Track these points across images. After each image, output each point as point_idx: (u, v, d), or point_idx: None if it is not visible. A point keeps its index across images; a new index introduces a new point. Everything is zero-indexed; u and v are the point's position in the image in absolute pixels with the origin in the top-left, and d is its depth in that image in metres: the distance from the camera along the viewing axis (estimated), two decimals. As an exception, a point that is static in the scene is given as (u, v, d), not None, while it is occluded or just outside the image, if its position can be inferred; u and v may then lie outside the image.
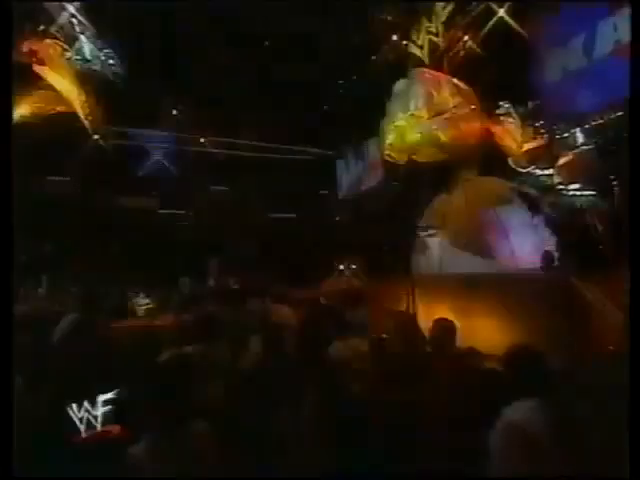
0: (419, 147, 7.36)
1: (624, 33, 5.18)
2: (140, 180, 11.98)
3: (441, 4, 7.19)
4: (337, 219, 13.07)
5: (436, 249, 8.51)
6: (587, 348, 3.98)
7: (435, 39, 7.33)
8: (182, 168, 12.62)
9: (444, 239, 8.26)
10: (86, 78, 8.48)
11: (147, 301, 7.85)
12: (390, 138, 7.48)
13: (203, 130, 12.74)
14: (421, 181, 8.84)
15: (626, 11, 5.11)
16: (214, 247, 11.90)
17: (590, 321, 4.10)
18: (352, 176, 10.94)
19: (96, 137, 9.51)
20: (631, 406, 2.04)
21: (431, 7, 7.37)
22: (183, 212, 13.16)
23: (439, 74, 7.01)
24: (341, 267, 10.21)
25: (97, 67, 8.74)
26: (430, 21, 7.37)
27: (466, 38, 7.17)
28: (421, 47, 7.56)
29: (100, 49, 8.10)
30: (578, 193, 5.96)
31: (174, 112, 12.14)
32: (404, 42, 7.95)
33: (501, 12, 7.05)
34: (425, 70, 7.17)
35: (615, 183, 5.63)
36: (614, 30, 5.44)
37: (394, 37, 8.00)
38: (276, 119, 12.35)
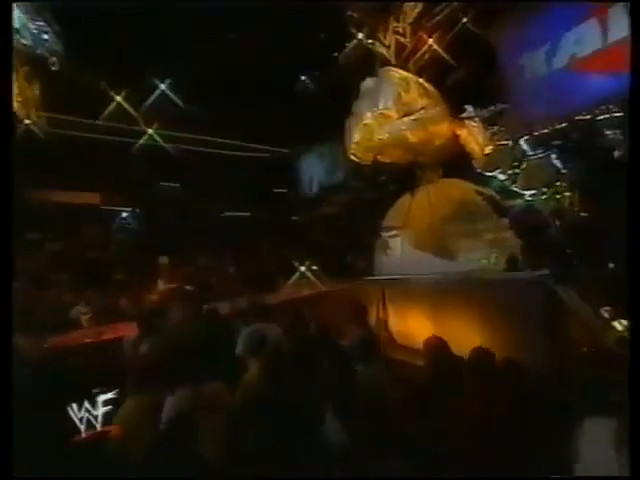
0: (386, 147, 7.28)
1: (582, 47, 5.47)
2: (79, 173, 10.85)
3: (410, 5, 7.17)
4: (295, 218, 12.79)
5: (398, 250, 8.51)
6: (564, 349, 4.05)
7: (402, 39, 7.31)
8: (127, 162, 11.63)
9: (406, 240, 8.27)
10: (14, 53, 7.41)
11: (87, 309, 6.93)
12: (357, 137, 7.33)
13: (152, 121, 11.87)
14: (385, 181, 8.83)
15: (589, 24, 5.38)
16: (163, 247, 11.13)
17: (565, 321, 4.19)
18: (315, 175, 10.70)
19: (27, 122, 8.39)
20: (631, 406, 1.99)
21: (399, 7, 7.33)
22: (129, 209, 12.19)
23: (407, 74, 6.99)
24: (302, 268, 9.96)
25: (27, 41, 7.67)
26: (398, 21, 7.34)
27: (432, 41, 7.22)
28: (388, 47, 7.50)
29: (32, 19, 7.03)
30: (539, 197, 6.17)
31: (119, 99, 11.15)
32: (370, 41, 7.85)
33: (465, 19, 7.17)
34: (393, 69, 7.12)
35: (576, 187, 5.89)
36: (574, 43, 5.72)
37: (360, 35, 7.87)
38: (233, 115, 11.82)
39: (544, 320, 4.35)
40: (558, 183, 6.65)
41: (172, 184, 13.30)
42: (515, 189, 6.68)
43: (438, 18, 7.03)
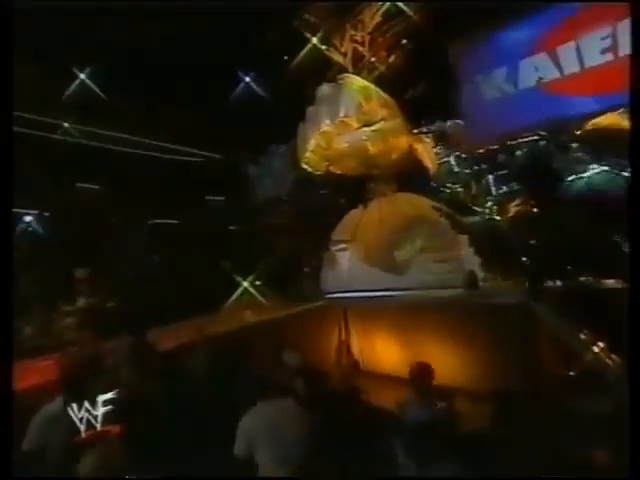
0: (342, 157, 7.00)
1: (546, 72, 5.75)
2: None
3: (368, 14, 7.03)
4: (233, 228, 11.95)
5: (345, 264, 8.24)
6: (544, 368, 3.99)
7: (360, 48, 7.13)
8: (36, 157, 9.92)
9: (354, 254, 8.03)
10: None
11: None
12: (312, 144, 6.95)
13: (69, 115, 10.37)
14: (336, 193, 8.54)
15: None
16: (79, 259, 9.62)
17: (543, 340, 4.16)
18: (260, 183, 10.08)
19: None
20: (631, 407, 1.95)
21: (357, 16, 7.16)
22: (35, 212, 10.38)
23: (367, 83, 6.80)
24: (245, 284, 9.20)
25: None
26: (356, 30, 7.15)
27: (390, 53, 7.14)
28: (344, 54, 7.28)
29: None
30: (492, 214, 6.26)
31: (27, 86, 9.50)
32: (325, 47, 7.57)
33: (423, 35, 7.20)
34: (352, 76, 6.89)
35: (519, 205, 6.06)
36: (535, 70, 5.99)
37: (315, 40, 7.55)
38: (166, 115, 10.77)
39: (513, 337, 4.27)
40: (490, 203, 6.84)
41: (90, 185, 11.68)
42: (473, 206, 6.75)
43: (397, 29, 6.96)
